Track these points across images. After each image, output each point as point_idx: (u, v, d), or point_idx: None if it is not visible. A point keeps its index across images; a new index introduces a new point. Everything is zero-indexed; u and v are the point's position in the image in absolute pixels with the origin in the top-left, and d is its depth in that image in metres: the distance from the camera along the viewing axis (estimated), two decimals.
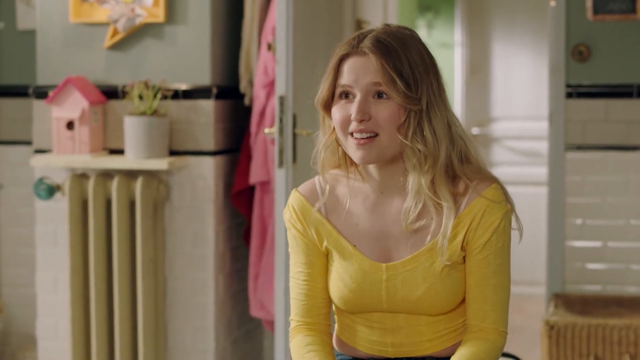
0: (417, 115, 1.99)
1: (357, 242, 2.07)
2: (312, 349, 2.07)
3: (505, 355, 2.55)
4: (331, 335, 2.15)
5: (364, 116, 1.98)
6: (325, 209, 2.10)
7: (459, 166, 2.03)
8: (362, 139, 1.99)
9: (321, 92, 2.06)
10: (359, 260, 2.05)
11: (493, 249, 2.02)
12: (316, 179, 2.14)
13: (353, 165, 2.10)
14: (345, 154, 2.09)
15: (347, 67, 2.01)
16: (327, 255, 2.10)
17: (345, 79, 2.01)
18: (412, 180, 2.01)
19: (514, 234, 2.08)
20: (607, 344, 3.86)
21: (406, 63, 1.98)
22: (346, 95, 2.02)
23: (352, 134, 2.01)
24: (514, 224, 2.08)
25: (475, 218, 2.01)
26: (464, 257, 2.04)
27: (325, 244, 2.09)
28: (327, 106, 2.06)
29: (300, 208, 2.10)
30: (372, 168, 2.06)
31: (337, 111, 2.03)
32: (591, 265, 4.28)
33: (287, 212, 2.13)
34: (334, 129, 2.06)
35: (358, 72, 2.00)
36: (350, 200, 2.08)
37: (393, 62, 1.97)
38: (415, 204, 2.01)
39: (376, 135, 1.99)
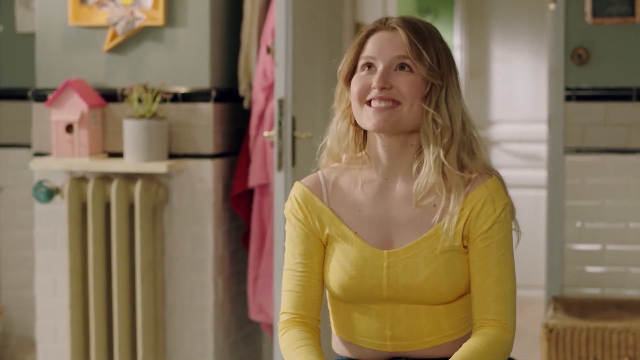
0: (438, 90, 2.03)
1: (358, 229, 2.07)
2: (306, 342, 2.05)
3: None
4: (320, 332, 2.14)
5: (386, 84, 2.02)
6: (327, 198, 2.11)
7: (467, 158, 2.06)
8: (383, 107, 2.01)
9: (343, 64, 2.10)
10: (360, 247, 2.05)
11: (495, 238, 2.03)
12: (319, 172, 2.15)
13: (361, 150, 2.13)
14: (355, 136, 2.12)
15: (373, 40, 2.06)
16: (325, 246, 2.10)
17: (369, 50, 2.06)
18: (429, 154, 2.03)
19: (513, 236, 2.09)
20: (606, 347, 3.85)
21: (431, 43, 2.04)
22: (368, 66, 2.06)
23: (369, 102, 2.03)
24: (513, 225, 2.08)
25: (476, 207, 2.03)
26: (464, 246, 2.04)
27: (327, 231, 2.09)
28: (348, 79, 2.09)
29: (303, 197, 2.11)
30: (380, 151, 2.08)
31: (356, 81, 2.06)
32: (590, 269, 4.28)
33: (289, 203, 2.14)
34: (350, 103, 2.09)
35: (383, 45, 2.04)
36: (354, 188, 2.10)
37: (420, 37, 2.03)
38: (427, 181, 2.03)
39: (398, 104, 2.02)
